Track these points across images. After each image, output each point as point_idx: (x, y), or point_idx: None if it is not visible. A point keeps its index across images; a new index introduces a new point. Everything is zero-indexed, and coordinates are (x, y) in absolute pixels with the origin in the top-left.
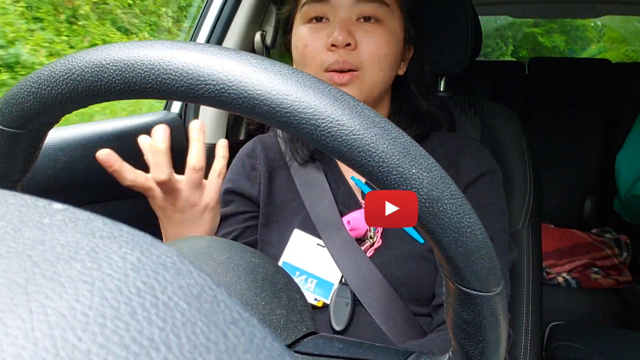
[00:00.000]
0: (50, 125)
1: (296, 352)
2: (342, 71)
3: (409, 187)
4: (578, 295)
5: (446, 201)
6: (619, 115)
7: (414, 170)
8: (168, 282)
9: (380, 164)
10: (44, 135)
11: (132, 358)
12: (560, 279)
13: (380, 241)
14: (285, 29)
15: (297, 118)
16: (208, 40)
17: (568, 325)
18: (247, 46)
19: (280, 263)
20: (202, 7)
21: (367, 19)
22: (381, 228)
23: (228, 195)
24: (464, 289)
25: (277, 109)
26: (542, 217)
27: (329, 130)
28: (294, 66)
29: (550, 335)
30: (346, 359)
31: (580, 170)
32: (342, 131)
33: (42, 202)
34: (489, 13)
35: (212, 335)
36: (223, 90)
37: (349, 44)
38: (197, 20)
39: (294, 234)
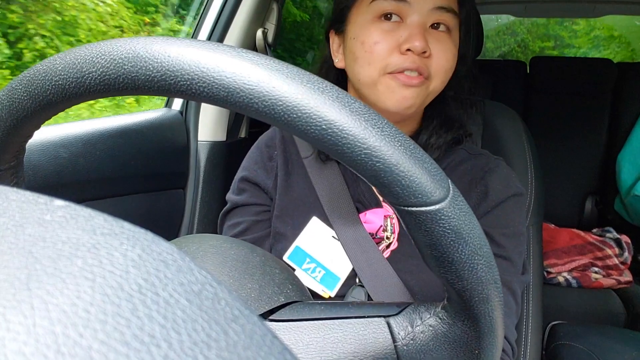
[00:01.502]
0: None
1: (272, 320)
2: (410, 78)
3: (297, 114)
4: (578, 295)
5: (346, 119)
6: (620, 115)
7: (300, 96)
8: (169, 279)
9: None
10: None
11: (133, 354)
12: (560, 279)
13: (397, 243)
14: (336, 17)
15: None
16: (209, 38)
17: (568, 325)
18: (249, 43)
19: (293, 247)
20: (204, 4)
21: (436, 26)
22: (397, 229)
23: (242, 183)
24: (402, 207)
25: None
26: (543, 216)
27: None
28: (349, 61)
29: (550, 334)
30: (330, 319)
31: (582, 169)
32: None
33: (43, 199)
34: (490, 12)
35: (212, 332)
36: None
37: (424, 52)
38: (199, 17)
39: (312, 221)
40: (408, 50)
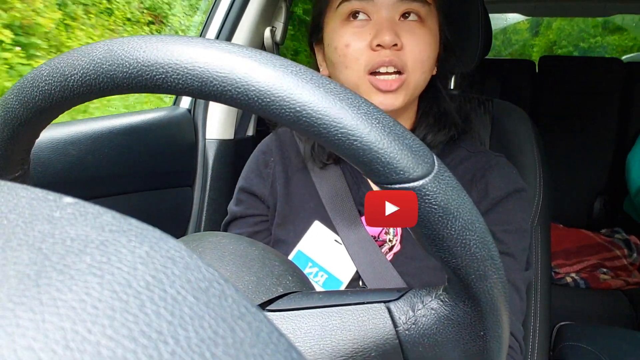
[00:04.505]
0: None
1: (269, 310)
2: (387, 73)
3: (270, 98)
4: (586, 296)
5: (320, 99)
6: (630, 115)
7: (272, 80)
8: (176, 276)
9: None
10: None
11: (141, 350)
12: (568, 279)
13: (400, 246)
14: (312, 29)
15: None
16: (217, 36)
17: (576, 326)
18: (257, 42)
19: (294, 251)
20: (212, 2)
21: (406, 16)
22: (400, 232)
23: (240, 194)
24: (385, 185)
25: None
26: (551, 216)
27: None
28: (330, 69)
29: (558, 335)
30: (328, 307)
31: (590, 170)
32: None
33: (52, 196)
34: (499, 11)
35: (219, 329)
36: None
37: (395, 44)
38: (207, 15)
39: (314, 226)
40: (378, 45)
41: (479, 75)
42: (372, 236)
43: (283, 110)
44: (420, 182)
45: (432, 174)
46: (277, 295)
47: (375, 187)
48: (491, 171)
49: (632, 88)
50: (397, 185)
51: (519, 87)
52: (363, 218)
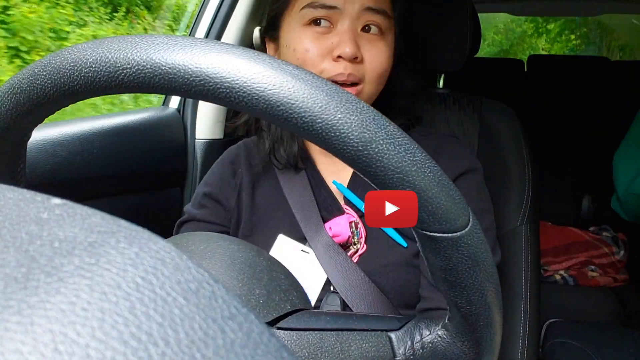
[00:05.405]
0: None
1: (279, 328)
2: (344, 84)
3: (335, 133)
4: (575, 293)
5: (381, 142)
6: (617, 114)
7: (339, 115)
8: (166, 278)
9: (301, 108)
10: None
11: (130, 353)
12: (557, 277)
13: (365, 246)
14: (269, 24)
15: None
16: (207, 36)
17: (565, 323)
18: (246, 41)
19: None
20: (201, 2)
21: (367, 29)
22: (364, 234)
23: (204, 199)
24: (425, 232)
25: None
26: (540, 214)
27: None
28: None
29: (547, 332)
30: (335, 330)
31: (578, 168)
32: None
33: (40, 197)
34: (488, 10)
35: (210, 330)
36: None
37: (355, 57)
38: (196, 15)
39: (279, 239)
40: (339, 57)
41: (468, 74)
42: (339, 243)
43: (345, 147)
44: (458, 234)
45: (468, 227)
46: (285, 312)
47: (333, 188)
48: (440, 154)
49: (618, 86)
50: (437, 235)
51: (509, 86)
52: (327, 226)
